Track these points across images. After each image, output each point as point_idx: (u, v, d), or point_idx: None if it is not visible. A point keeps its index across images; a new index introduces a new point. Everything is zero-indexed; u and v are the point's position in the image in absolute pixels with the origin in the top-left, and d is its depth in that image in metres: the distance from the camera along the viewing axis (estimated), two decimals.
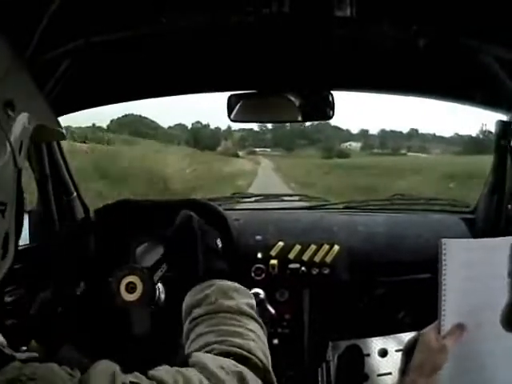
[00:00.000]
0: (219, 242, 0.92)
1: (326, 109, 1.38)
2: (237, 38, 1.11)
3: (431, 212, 1.67)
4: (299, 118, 1.42)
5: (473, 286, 0.79)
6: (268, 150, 40.54)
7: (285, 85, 1.37)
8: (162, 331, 1.05)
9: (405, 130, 36.47)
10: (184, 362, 0.59)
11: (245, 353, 0.65)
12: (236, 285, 0.79)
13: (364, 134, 38.58)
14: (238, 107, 1.38)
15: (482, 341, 0.79)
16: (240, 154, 34.29)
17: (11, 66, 0.50)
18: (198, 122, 38.48)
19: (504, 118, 1.22)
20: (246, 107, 1.38)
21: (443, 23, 0.86)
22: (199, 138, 34.02)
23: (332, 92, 1.36)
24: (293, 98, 1.39)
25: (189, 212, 0.95)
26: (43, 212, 1.45)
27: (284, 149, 39.34)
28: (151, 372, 0.55)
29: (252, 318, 0.73)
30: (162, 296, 1.10)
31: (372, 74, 1.32)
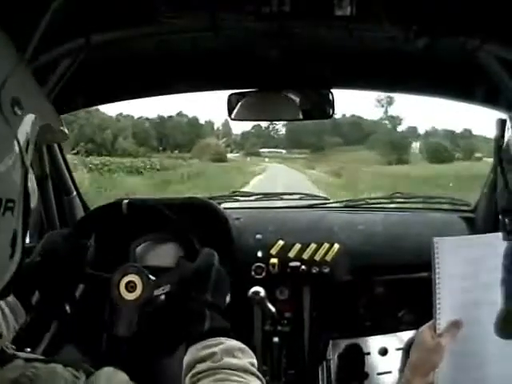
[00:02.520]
0: (228, 298, 0.93)
1: (325, 107, 1.39)
2: (237, 37, 1.11)
3: (431, 211, 1.67)
4: (299, 117, 1.42)
5: (467, 283, 0.79)
6: (282, 151, 30.51)
7: (285, 83, 1.37)
8: (161, 332, 1.05)
9: (457, 130, 27.15)
10: None
11: None
12: (241, 345, 0.80)
13: (413, 131, 28.23)
14: (238, 106, 1.38)
15: (478, 338, 0.79)
16: (231, 156, 27.12)
17: (16, 66, 0.50)
18: (179, 114, 29.71)
19: (504, 116, 1.22)
20: (246, 106, 1.38)
21: (443, 23, 0.86)
22: (167, 133, 27.31)
23: (332, 91, 1.36)
24: (293, 97, 1.39)
25: (212, 254, 0.97)
26: (43, 212, 1.45)
27: (314, 149, 28.74)
28: None
29: (255, 375, 0.75)
30: (162, 296, 1.10)
31: (372, 72, 1.32)
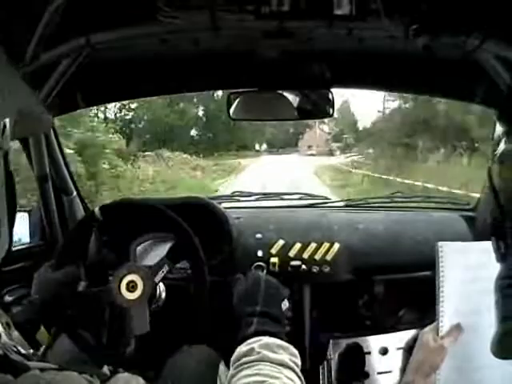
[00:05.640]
0: (284, 305, 0.98)
1: (325, 106, 1.39)
2: (237, 37, 1.11)
3: (431, 210, 1.67)
4: (299, 117, 1.42)
5: (471, 288, 0.80)
6: None
7: (285, 83, 1.37)
8: (162, 331, 1.05)
9: None
10: None
11: None
12: (282, 343, 0.84)
13: None
14: (238, 105, 1.38)
15: (480, 341, 0.80)
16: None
17: None
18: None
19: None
20: (246, 105, 1.38)
21: (443, 22, 0.86)
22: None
23: (331, 90, 1.36)
24: (293, 96, 1.39)
25: (258, 274, 1.06)
26: (43, 212, 1.45)
27: None
28: None
29: (293, 371, 0.79)
30: (163, 295, 1.10)
31: (371, 72, 1.32)
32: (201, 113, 28.82)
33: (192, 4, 0.91)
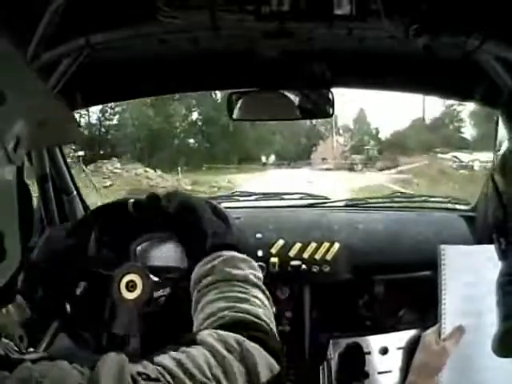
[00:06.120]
0: (231, 219, 0.93)
1: (326, 106, 1.39)
2: (237, 37, 1.11)
3: (431, 210, 1.67)
4: (300, 116, 1.42)
5: (472, 290, 0.80)
6: None
7: (285, 83, 1.37)
8: (162, 331, 1.05)
9: None
10: (192, 340, 0.62)
11: (254, 318, 0.67)
12: (244, 256, 0.80)
13: None
14: (238, 106, 1.38)
15: (481, 343, 0.80)
16: None
17: (2, 54, 0.45)
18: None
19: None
20: (246, 106, 1.38)
21: (443, 22, 0.86)
22: None
23: (332, 90, 1.36)
24: (293, 96, 1.39)
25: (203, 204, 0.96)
26: (43, 211, 1.45)
27: None
28: (157, 358, 0.57)
29: (257, 287, 0.75)
30: (162, 298, 1.10)
31: (371, 72, 1.32)
32: (195, 116, 23.88)
33: (192, 4, 0.91)
